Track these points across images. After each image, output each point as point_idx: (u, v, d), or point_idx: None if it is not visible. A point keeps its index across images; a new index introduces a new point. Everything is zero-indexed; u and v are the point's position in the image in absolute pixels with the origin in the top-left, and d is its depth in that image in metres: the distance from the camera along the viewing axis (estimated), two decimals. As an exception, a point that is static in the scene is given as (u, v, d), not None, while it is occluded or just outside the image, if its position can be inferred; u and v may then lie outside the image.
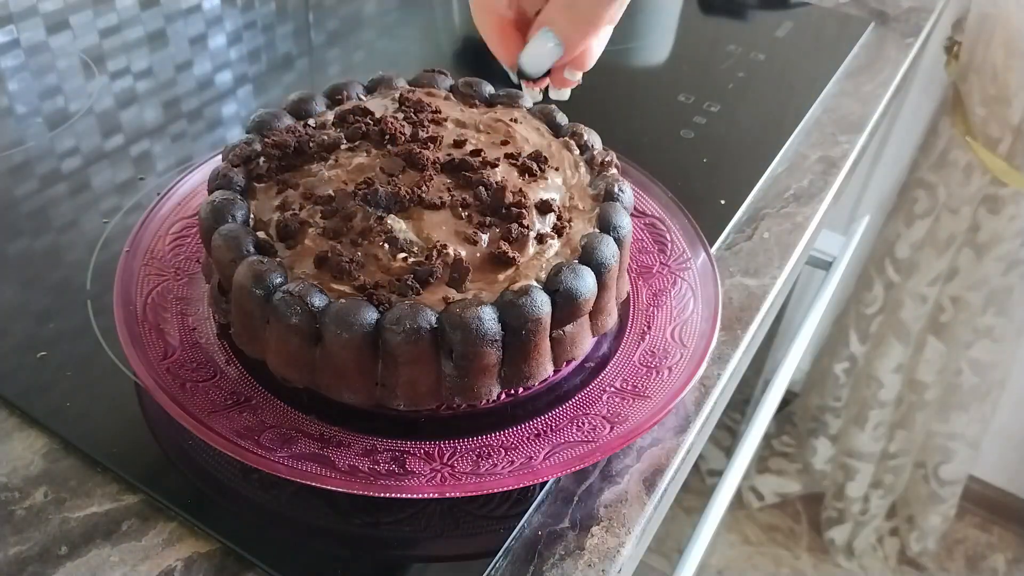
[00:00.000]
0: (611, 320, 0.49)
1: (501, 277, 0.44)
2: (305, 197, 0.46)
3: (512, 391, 0.47)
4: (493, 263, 0.44)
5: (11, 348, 0.49)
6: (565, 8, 0.42)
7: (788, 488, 1.60)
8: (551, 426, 0.45)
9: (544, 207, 0.47)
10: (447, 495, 0.41)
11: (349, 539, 0.42)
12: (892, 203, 1.33)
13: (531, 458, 0.43)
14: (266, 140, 0.49)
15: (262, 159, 0.48)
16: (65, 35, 0.78)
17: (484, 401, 0.44)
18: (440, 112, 0.52)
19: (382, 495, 0.40)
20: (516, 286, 0.43)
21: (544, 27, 0.42)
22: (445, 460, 0.43)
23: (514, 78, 0.45)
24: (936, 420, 1.43)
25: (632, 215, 0.49)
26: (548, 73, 0.44)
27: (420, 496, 0.42)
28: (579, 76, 0.46)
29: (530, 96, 0.50)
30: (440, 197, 0.45)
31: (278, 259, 0.43)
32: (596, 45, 0.44)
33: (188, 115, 0.71)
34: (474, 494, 0.42)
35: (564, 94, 0.47)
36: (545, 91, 0.47)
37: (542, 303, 0.42)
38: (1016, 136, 1.13)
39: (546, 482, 0.44)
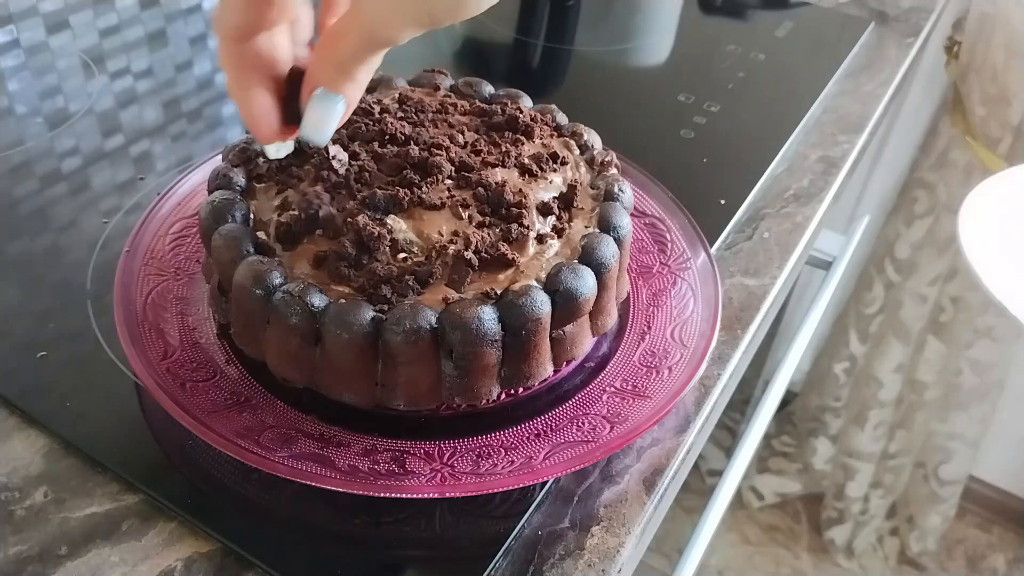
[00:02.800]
0: (611, 320, 0.49)
1: (501, 277, 0.44)
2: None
3: (512, 391, 0.47)
4: (493, 263, 0.44)
5: (11, 348, 0.49)
6: (331, 62, 0.37)
7: (788, 488, 1.60)
8: (551, 426, 0.45)
9: (544, 207, 0.47)
10: (447, 495, 0.41)
11: (349, 539, 0.42)
12: (892, 203, 1.33)
13: (531, 458, 0.43)
14: (266, 140, 0.49)
15: (262, 159, 0.48)
16: (65, 35, 0.78)
17: (484, 401, 0.44)
18: (440, 112, 0.52)
19: (382, 495, 0.40)
20: (516, 286, 0.43)
21: (320, 88, 0.38)
22: (445, 460, 0.43)
23: (271, 153, 0.42)
24: (936, 420, 1.43)
25: (632, 215, 0.49)
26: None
27: (420, 496, 0.42)
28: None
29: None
30: (440, 197, 0.45)
31: (278, 259, 0.43)
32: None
33: (188, 115, 0.71)
34: (474, 494, 0.42)
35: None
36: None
37: (542, 303, 0.42)
38: (1016, 136, 1.13)
39: (546, 482, 0.44)
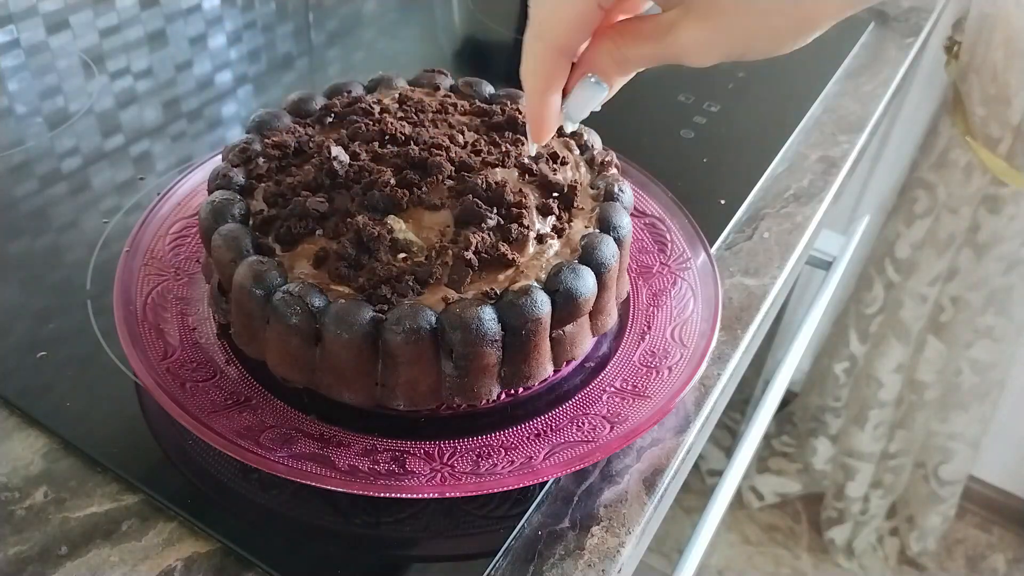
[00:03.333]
0: (611, 320, 0.49)
1: (501, 277, 0.44)
2: (305, 197, 0.46)
3: (512, 391, 0.47)
4: (493, 263, 0.44)
5: (11, 348, 0.49)
6: (617, 56, 0.39)
7: (788, 488, 1.60)
8: (551, 426, 0.45)
9: (544, 207, 0.47)
10: (447, 495, 0.41)
11: (349, 539, 0.42)
12: (892, 203, 1.33)
13: (531, 458, 0.43)
14: (266, 140, 0.49)
15: (262, 159, 0.48)
16: (65, 35, 0.78)
17: (484, 401, 0.44)
18: (440, 112, 0.52)
19: (382, 495, 0.40)
20: (516, 286, 0.43)
21: (590, 73, 0.40)
22: (445, 460, 0.43)
23: (533, 152, 0.45)
24: (936, 420, 1.43)
25: (632, 215, 0.49)
26: None
27: (420, 496, 0.42)
28: None
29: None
30: (440, 197, 0.45)
31: (278, 259, 0.43)
32: None
33: (188, 115, 0.71)
34: (474, 494, 0.42)
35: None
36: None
37: (542, 303, 0.42)
38: (1016, 136, 1.13)
39: (546, 482, 0.44)
